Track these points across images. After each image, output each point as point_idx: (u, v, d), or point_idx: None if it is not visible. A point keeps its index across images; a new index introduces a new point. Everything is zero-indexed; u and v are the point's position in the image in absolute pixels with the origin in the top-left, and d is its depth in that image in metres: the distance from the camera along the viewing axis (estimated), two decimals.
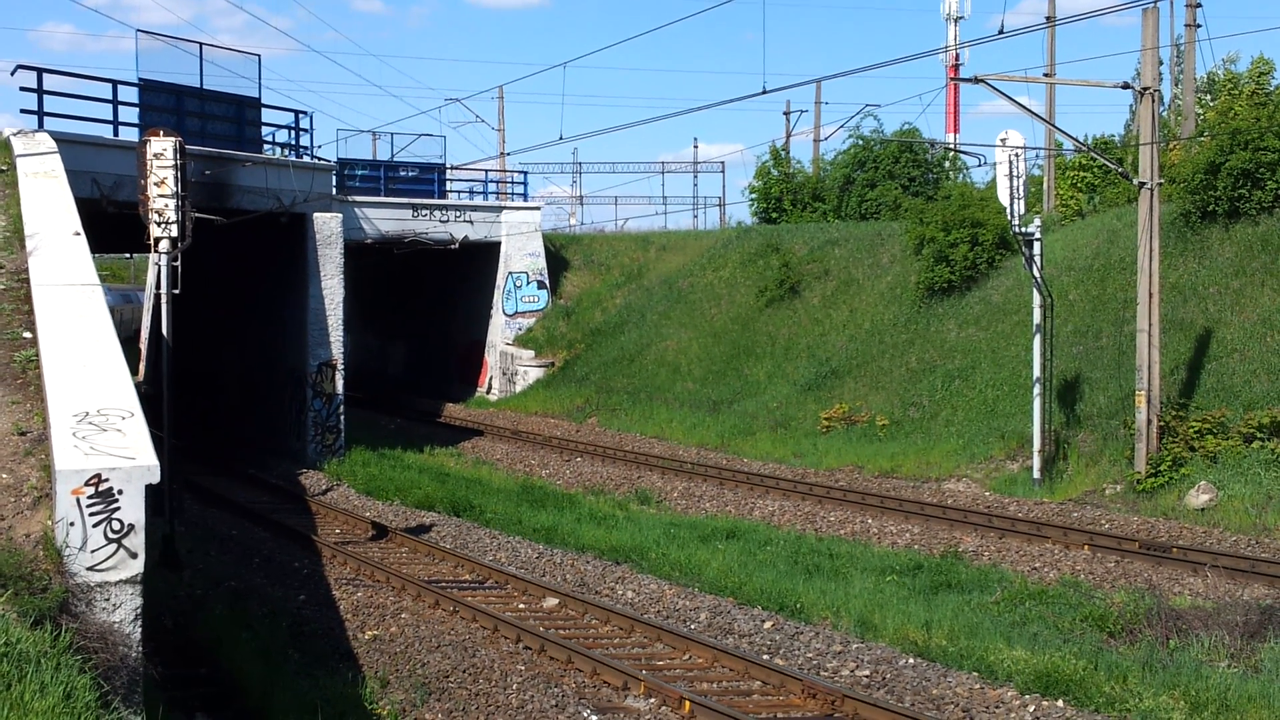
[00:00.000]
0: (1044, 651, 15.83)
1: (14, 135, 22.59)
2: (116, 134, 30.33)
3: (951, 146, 60.27)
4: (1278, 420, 25.60)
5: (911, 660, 16.30)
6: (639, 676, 15.30)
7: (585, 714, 14.09)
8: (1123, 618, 17.75)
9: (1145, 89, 27.75)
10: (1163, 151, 33.50)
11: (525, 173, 56.88)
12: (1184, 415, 27.01)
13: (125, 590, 9.85)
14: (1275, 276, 29.91)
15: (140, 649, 9.95)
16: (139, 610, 9.93)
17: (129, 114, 31.25)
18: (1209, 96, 50.75)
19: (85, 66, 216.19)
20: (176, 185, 22.13)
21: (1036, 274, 29.29)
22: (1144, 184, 27.16)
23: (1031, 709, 14.44)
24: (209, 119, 34.14)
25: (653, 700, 14.77)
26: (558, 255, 55.12)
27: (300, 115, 37.94)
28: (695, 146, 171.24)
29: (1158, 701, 14.23)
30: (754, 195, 60.37)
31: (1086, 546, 23.12)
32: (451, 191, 51.23)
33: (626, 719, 14.05)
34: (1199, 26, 46.95)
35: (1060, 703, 14.55)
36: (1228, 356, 28.65)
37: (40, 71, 28.58)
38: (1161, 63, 39.22)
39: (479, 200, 51.77)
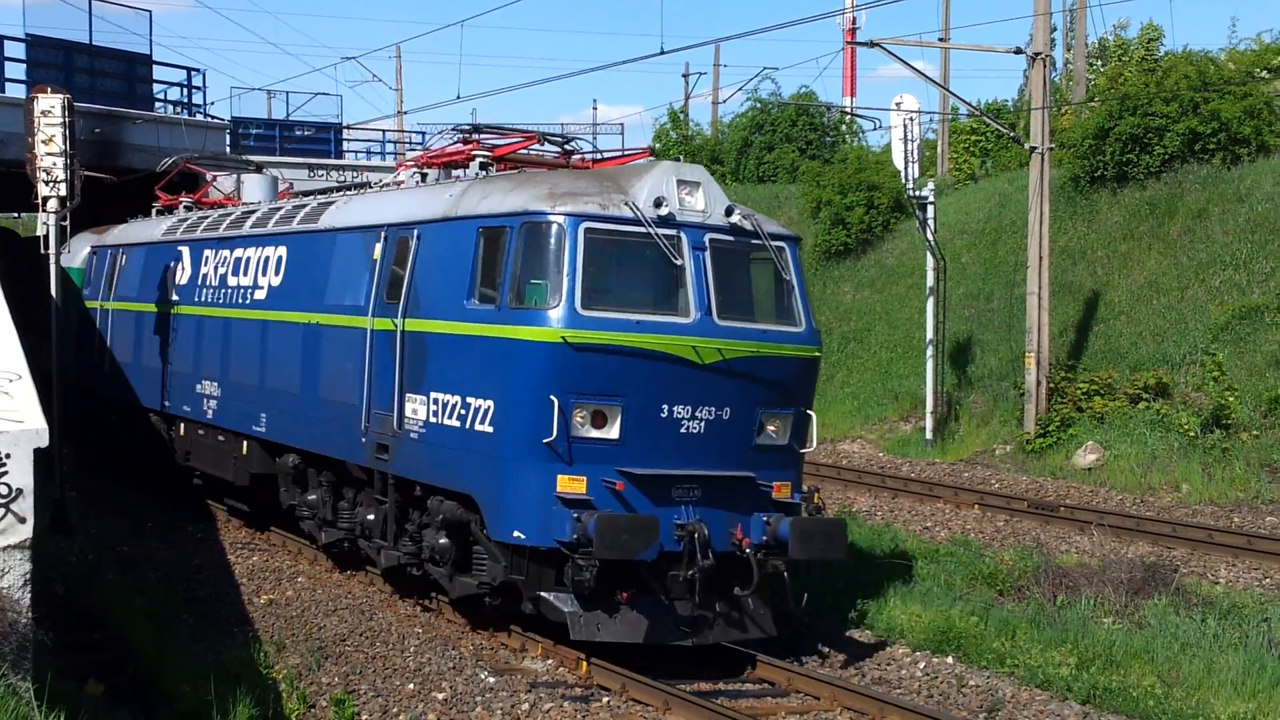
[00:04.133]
0: (935, 609, 16.11)
1: None
2: (3, 90, 29.75)
3: (848, 110, 60.60)
4: (1163, 381, 26.19)
5: (805, 619, 16.52)
6: (537, 639, 15.36)
7: (483, 675, 14.13)
8: (1011, 576, 18.11)
9: (1037, 54, 28.14)
10: (1054, 116, 33.99)
11: (423, 133, 56.45)
12: (1072, 377, 27.54)
13: (14, 556, 9.73)
14: (1161, 240, 30.52)
15: (30, 615, 9.84)
16: (28, 576, 9.81)
17: (15, 70, 30.69)
18: (1100, 62, 51.52)
19: None
20: (65, 143, 21.70)
21: (930, 237, 29.66)
22: (1035, 149, 27.57)
23: (922, 665, 14.70)
24: (99, 76, 33.57)
25: (550, 661, 14.85)
26: None
27: (193, 73, 37.51)
28: (594, 108, 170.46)
29: (1046, 657, 14.55)
30: (653, 157, 60.37)
31: (977, 506, 23.54)
32: (349, 151, 50.75)
33: (524, 680, 14.12)
34: None
35: (950, 659, 14.83)
36: (1115, 319, 29.24)
37: None
38: (1054, 29, 39.70)
39: (376, 160, 51.30)
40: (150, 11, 35.32)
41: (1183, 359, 26.78)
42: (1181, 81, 31.82)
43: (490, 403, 13.68)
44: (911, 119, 29.42)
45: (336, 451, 17.12)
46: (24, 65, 30.92)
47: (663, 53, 39.72)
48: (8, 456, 9.61)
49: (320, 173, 46.45)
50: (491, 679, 14.06)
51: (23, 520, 9.72)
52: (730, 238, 13.96)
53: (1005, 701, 13.55)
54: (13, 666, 9.28)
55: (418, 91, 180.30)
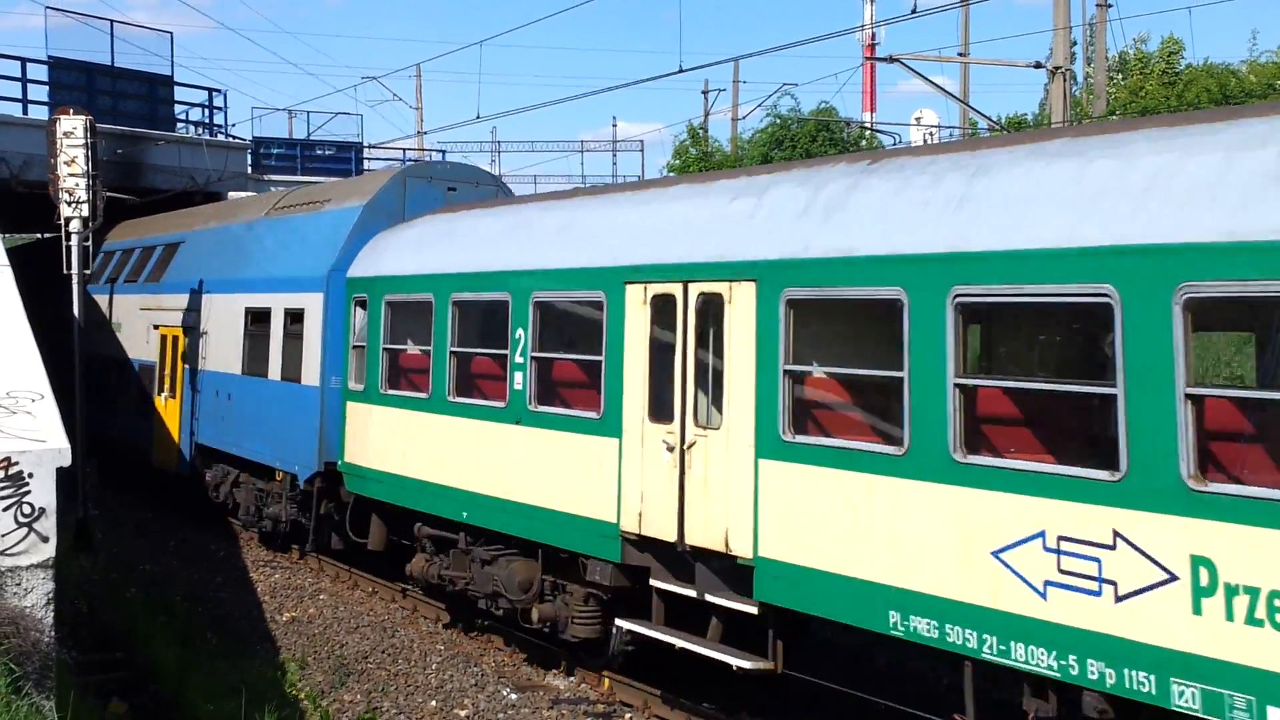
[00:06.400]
0: None
1: None
2: (26, 112, 29.93)
3: (868, 125, 60.58)
4: None
5: None
6: (559, 654, 15.34)
7: (505, 692, 14.12)
8: None
9: (1057, 68, 28.08)
10: None
11: (444, 152, 56.69)
12: None
13: (37, 575, 9.75)
14: None
15: (53, 634, 9.85)
16: (51, 595, 9.83)
17: (39, 92, 30.94)
18: (1120, 76, 51.38)
19: None
20: (87, 164, 21.84)
21: None
22: None
23: None
24: (121, 97, 33.75)
25: (573, 678, 14.82)
26: None
27: (214, 93, 37.62)
28: (614, 125, 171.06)
29: None
30: (672, 174, 60.42)
31: None
32: (369, 171, 50.84)
33: (546, 697, 14.09)
34: (1110, 6, 47.49)
35: None
36: None
37: None
38: (1074, 42, 39.66)
39: None
40: (171, 33, 35.60)
41: None
42: (1202, 94, 31.73)
43: None
44: (931, 134, 29.41)
45: None
46: (47, 87, 31.13)
47: (681, 70, 39.65)
48: (30, 476, 9.64)
49: None
50: (514, 696, 14.04)
51: (45, 539, 9.74)
52: None
53: None
54: (36, 685, 9.29)
55: (438, 111, 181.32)
